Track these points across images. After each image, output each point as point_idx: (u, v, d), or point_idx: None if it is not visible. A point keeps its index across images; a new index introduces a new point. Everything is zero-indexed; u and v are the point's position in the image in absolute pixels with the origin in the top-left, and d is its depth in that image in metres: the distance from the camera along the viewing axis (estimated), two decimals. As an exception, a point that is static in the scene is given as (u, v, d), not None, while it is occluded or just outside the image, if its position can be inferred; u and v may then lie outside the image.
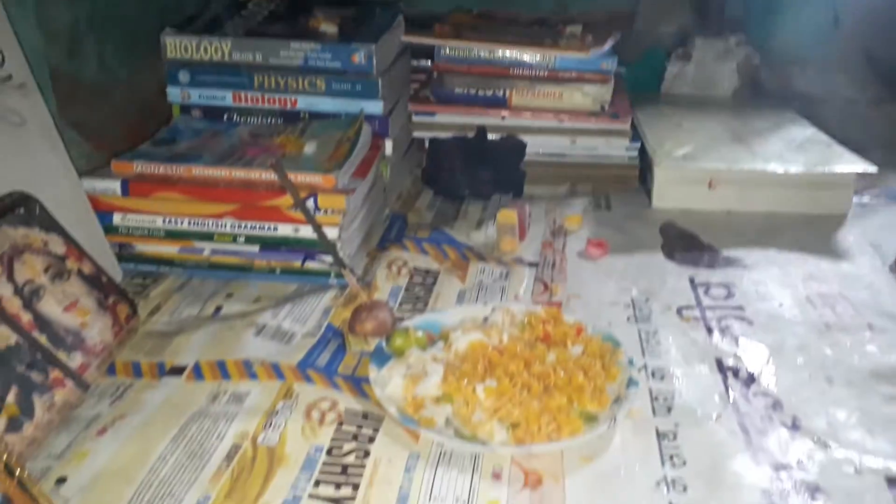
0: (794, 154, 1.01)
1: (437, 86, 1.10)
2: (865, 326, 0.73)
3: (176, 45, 0.92)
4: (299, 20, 1.00)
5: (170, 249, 0.80)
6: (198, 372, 0.66)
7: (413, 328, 0.68)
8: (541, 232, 0.93)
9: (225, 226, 0.79)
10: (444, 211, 0.99)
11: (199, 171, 0.81)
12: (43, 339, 0.60)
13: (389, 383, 0.62)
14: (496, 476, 0.55)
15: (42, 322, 0.60)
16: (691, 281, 0.82)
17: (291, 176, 0.77)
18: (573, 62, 1.06)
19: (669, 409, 0.62)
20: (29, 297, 0.60)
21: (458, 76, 1.09)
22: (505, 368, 0.62)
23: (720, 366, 0.68)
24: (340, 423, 0.60)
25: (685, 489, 0.54)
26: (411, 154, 1.10)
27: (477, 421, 0.58)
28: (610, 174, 1.07)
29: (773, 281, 0.82)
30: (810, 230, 0.93)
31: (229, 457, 0.56)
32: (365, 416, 0.61)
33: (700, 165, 0.99)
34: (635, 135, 1.07)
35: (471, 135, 1.04)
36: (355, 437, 0.58)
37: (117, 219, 0.80)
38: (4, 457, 0.48)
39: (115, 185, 0.79)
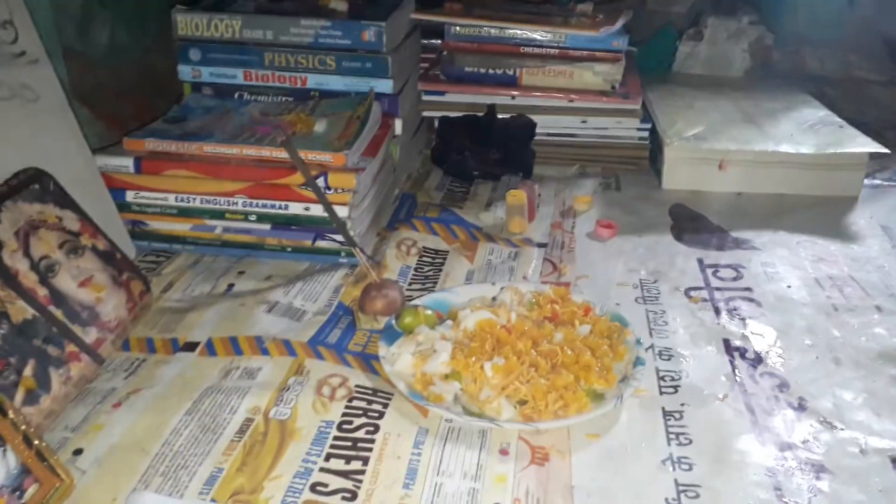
0: (805, 135, 1.00)
1: (447, 64, 1.09)
2: (874, 308, 0.74)
3: (187, 23, 0.91)
4: (309, -3, 1.00)
5: (182, 227, 0.81)
6: (210, 348, 0.67)
7: (422, 306, 0.69)
8: (550, 212, 0.93)
9: (236, 204, 0.80)
10: (454, 191, 0.99)
11: (210, 148, 0.81)
12: (59, 313, 0.61)
13: (399, 360, 0.63)
14: (503, 452, 0.56)
15: (58, 297, 0.61)
16: (700, 262, 0.82)
17: (302, 154, 0.78)
18: (584, 41, 1.05)
19: (676, 389, 0.62)
20: (44, 272, 0.61)
21: (468, 55, 1.08)
22: (513, 346, 0.62)
23: (727, 346, 0.68)
24: (351, 399, 0.60)
25: (691, 468, 0.54)
26: (421, 134, 1.10)
27: (485, 398, 0.58)
28: (620, 154, 1.07)
29: (782, 262, 0.82)
30: (821, 212, 0.93)
31: (242, 430, 0.57)
32: (375, 392, 0.61)
33: (711, 146, 0.98)
34: (646, 115, 1.06)
35: (480, 114, 1.04)
36: (365, 413, 0.59)
37: (130, 196, 0.80)
38: (23, 428, 0.50)
39: (128, 163, 0.80)
